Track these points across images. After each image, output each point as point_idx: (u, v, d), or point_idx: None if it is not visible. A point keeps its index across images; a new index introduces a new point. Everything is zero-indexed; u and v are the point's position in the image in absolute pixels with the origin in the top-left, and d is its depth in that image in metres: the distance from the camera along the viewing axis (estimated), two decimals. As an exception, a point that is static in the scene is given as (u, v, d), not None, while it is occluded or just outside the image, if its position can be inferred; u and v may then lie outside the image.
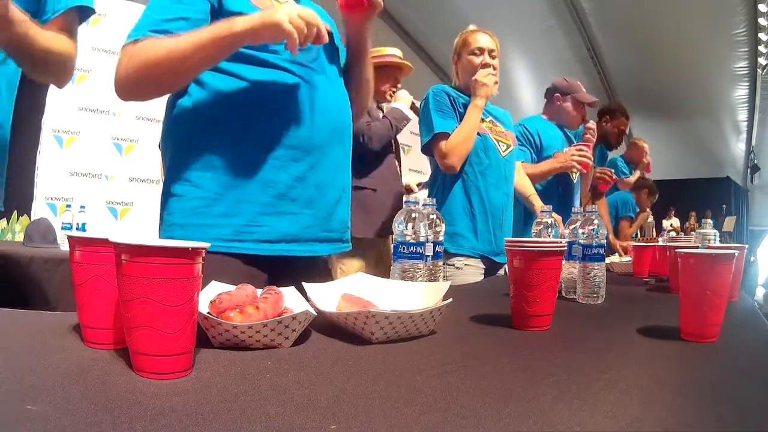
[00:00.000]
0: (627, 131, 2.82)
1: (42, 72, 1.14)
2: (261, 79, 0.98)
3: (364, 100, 1.23)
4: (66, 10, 1.13)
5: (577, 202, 2.25)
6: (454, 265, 1.65)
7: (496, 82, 1.69)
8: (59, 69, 1.15)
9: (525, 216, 2.10)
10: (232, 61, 0.96)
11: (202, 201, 0.96)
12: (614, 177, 2.75)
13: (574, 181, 2.19)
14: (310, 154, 1.01)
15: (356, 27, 1.11)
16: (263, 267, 0.99)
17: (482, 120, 1.73)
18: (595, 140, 2.22)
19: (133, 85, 0.94)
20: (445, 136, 1.65)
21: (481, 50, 1.72)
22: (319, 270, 1.12)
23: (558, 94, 2.27)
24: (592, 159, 2.12)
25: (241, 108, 0.97)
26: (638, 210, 3.66)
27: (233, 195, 0.96)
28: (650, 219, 3.90)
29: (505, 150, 1.76)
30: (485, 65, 1.70)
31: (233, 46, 0.91)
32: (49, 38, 1.08)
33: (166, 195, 1.01)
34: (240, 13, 0.92)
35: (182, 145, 1.00)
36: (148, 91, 0.97)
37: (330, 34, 1.13)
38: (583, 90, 2.28)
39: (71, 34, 1.16)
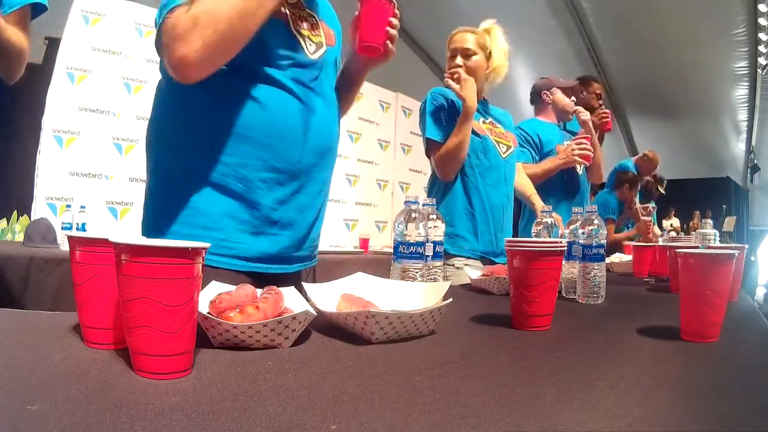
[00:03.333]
0: (603, 94, 2.86)
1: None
2: (262, 98, 0.96)
3: (342, 114, 1.24)
4: (22, 6, 1.15)
5: (586, 192, 2.27)
6: (454, 265, 1.65)
7: (463, 81, 1.60)
8: (14, 61, 1.16)
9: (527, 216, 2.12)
10: (235, 74, 0.94)
11: (186, 210, 0.95)
12: (607, 111, 2.76)
13: (580, 173, 2.21)
14: (296, 179, 1.00)
15: (363, 65, 1.14)
16: (237, 280, 0.97)
17: (483, 121, 1.73)
18: (589, 120, 2.24)
19: (214, 49, 0.84)
20: (436, 144, 1.66)
21: (455, 51, 1.70)
22: (294, 283, 1.12)
23: (544, 91, 2.33)
24: (593, 150, 2.13)
25: (237, 124, 0.95)
26: (622, 213, 3.57)
27: (216, 210, 0.95)
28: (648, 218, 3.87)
29: (506, 151, 1.76)
30: (456, 66, 1.66)
31: None
32: (8, 29, 1.09)
33: (150, 200, 1.00)
34: None
35: (170, 150, 0.98)
36: (227, 55, 0.88)
37: (334, 38, 1.12)
38: (560, 79, 2.35)
39: (25, 29, 1.17)
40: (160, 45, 0.88)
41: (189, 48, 0.83)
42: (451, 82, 1.62)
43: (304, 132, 1.00)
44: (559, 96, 2.27)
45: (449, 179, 1.68)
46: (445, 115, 1.68)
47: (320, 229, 1.13)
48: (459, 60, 1.68)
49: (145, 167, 1.03)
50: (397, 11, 1.05)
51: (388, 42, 1.04)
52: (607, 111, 2.78)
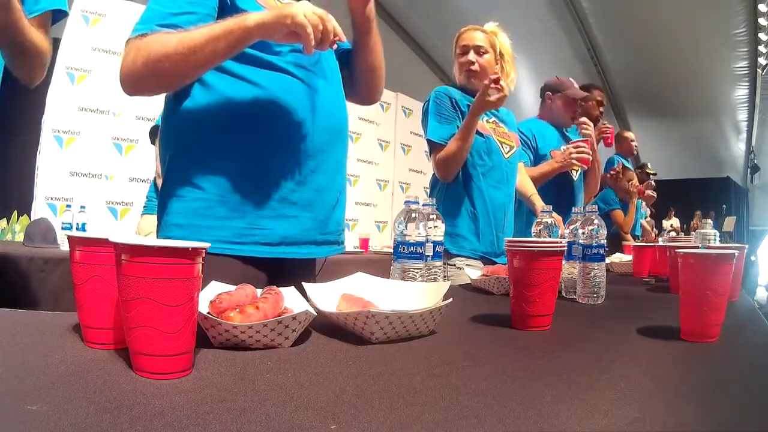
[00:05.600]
0: (604, 101, 2.83)
1: (23, 64, 1.18)
2: (265, 82, 0.97)
3: (377, 86, 1.20)
4: (45, 12, 1.19)
5: (579, 201, 2.23)
6: (455, 265, 1.65)
7: (502, 97, 1.53)
8: (38, 63, 1.20)
9: (527, 218, 2.09)
10: (237, 61, 0.96)
11: (203, 203, 0.96)
12: (609, 126, 2.72)
13: (575, 179, 2.18)
14: (310, 158, 1.01)
15: (360, 6, 1.06)
16: (261, 269, 0.99)
17: (486, 121, 1.73)
18: (591, 132, 2.19)
19: (140, 79, 0.92)
20: (438, 145, 1.66)
21: (466, 48, 1.70)
22: (316, 271, 1.13)
23: (549, 93, 2.26)
24: (592, 153, 2.07)
25: (244, 111, 0.97)
26: (623, 201, 3.58)
27: (235, 198, 0.96)
28: (649, 218, 3.86)
29: (508, 151, 1.76)
30: (470, 63, 1.67)
31: (244, 41, 0.89)
32: (33, 31, 1.13)
33: (166, 195, 1.00)
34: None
35: (184, 145, 0.99)
36: (156, 85, 0.95)
37: None
38: (575, 86, 2.25)
39: (46, 33, 1.21)
40: None
41: (122, 69, 0.92)
42: (492, 94, 1.52)
43: (311, 112, 1.01)
44: (558, 104, 2.21)
45: (448, 180, 1.69)
46: (448, 116, 1.68)
47: (343, 213, 1.13)
48: (472, 56, 1.68)
49: (160, 169, 1.05)
50: None
51: None
52: (609, 126, 2.72)
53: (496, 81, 1.51)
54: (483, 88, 1.53)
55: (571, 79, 2.29)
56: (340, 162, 1.10)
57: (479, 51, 1.69)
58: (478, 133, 1.65)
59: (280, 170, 0.98)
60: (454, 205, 1.68)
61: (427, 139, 1.70)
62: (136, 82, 0.93)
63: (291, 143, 0.99)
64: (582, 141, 2.06)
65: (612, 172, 3.34)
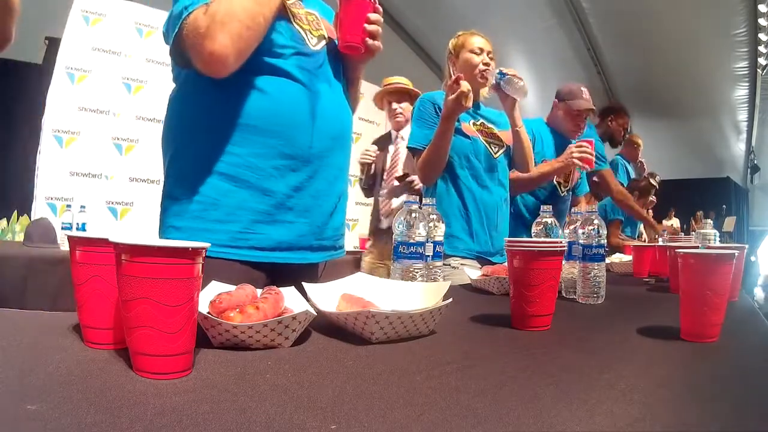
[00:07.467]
0: (628, 128, 2.80)
1: (4, 23, 1.07)
2: (265, 86, 0.97)
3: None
4: None
5: (563, 215, 2.12)
6: (450, 264, 1.65)
7: (460, 94, 1.47)
8: (13, 22, 1.10)
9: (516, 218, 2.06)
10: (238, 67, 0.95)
11: (199, 205, 0.96)
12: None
13: (562, 195, 2.12)
14: (309, 164, 1.01)
15: (354, 62, 1.14)
16: (260, 271, 0.99)
17: (473, 123, 1.74)
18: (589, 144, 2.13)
19: (240, 43, 0.88)
20: (417, 151, 1.68)
21: (481, 50, 1.72)
22: (314, 275, 1.13)
23: (556, 99, 2.20)
24: (594, 155, 1.95)
25: (242, 114, 0.96)
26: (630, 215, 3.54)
27: (230, 202, 0.96)
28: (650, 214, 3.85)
29: (497, 152, 1.76)
30: (486, 64, 1.69)
31: None
32: None
33: (165, 197, 1.00)
34: None
35: (182, 148, 0.99)
36: (254, 42, 0.91)
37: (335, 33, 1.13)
38: (584, 96, 2.13)
39: None
40: (184, 47, 0.90)
41: (216, 43, 0.86)
42: (463, 85, 1.47)
43: (312, 116, 1.01)
44: (560, 113, 2.14)
45: (429, 184, 1.73)
46: (429, 121, 1.69)
47: (343, 218, 1.13)
48: (487, 58, 1.70)
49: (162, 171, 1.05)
50: (378, 7, 1.05)
51: (368, 39, 1.04)
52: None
53: (456, 80, 1.50)
54: (448, 89, 1.52)
55: (583, 88, 2.15)
56: (341, 168, 1.09)
57: (490, 56, 1.73)
58: (463, 135, 1.67)
59: (276, 177, 0.98)
60: (447, 205, 1.69)
61: (407, 147, 1.73)
62: (241, 48, 0.89)
63: (289, 150, 0.98)
64: (585, 141, 1.96)
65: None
